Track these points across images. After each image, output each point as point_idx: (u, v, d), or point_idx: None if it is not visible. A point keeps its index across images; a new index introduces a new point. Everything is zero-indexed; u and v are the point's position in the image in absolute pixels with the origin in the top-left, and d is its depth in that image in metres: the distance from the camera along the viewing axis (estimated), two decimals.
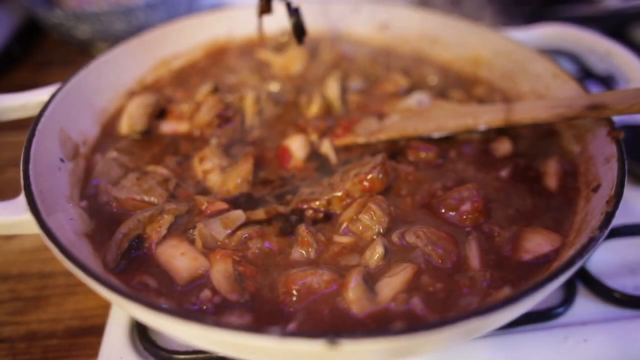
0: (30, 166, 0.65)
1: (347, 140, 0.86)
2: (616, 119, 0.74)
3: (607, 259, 0.77)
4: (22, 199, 0.60)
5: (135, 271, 0.63)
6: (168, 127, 0.89)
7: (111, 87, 0.93)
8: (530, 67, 0.94)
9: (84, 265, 0.52)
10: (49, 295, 0.80)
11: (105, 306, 0.74)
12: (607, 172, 0.68)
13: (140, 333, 0.66)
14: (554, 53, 1.11)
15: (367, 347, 0.42)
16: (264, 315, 0.58)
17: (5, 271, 0.84)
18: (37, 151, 0.68)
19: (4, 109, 0.80)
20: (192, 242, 0.66)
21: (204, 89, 0.94)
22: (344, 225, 0.68)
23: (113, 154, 0.81)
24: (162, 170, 0.78)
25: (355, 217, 0.68)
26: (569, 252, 0.57)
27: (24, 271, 0.84)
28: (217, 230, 0.67)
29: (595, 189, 0.69)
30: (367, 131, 0.87)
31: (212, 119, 0.85)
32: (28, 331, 0.75)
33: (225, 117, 0.86)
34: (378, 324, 0.56)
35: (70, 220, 0.66)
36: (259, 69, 1.06)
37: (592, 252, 0.55)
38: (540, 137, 0.86)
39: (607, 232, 0.57)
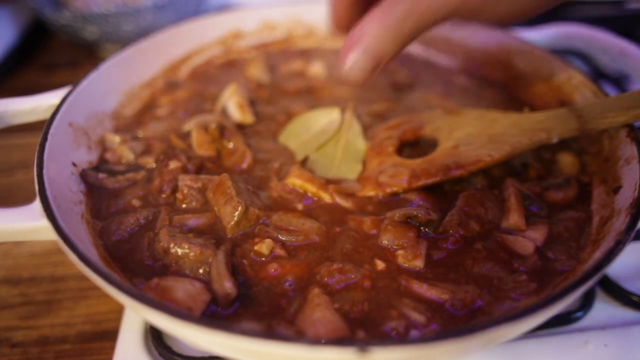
0: (45, 171, 0.64)
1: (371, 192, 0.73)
2: None
3: (624, 262, 0.75)
4: (37, 205, 0.60)
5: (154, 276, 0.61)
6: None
7: (121, 90, 0.92)
8: (546, 68, 0.93)
9: (104, 272, 0.51)
10: (61, 299, 0.79)
11: (118, 310, 0.73)
12: (628, 174, 0.67)
13: (155, 338, 0.65)
14: (564, 53, 1.10)
15: (398, 354, 0.41)
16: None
17: (16, 275, 0.83)
18: (49, 156, 0.67)
19: (15, 112, 0.79)
20: None
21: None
22: None
23: None
24: None
25: None
26: (595, 255, 0.56)
27: (34, 275, 0.83)
28: None
29: (616, 190, 0.68)
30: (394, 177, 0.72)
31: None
32: (40, 336, 0.74)
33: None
34: None
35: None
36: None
37: (619, 255, 0.54)
38: None
39: (633, 234, 0.56)
